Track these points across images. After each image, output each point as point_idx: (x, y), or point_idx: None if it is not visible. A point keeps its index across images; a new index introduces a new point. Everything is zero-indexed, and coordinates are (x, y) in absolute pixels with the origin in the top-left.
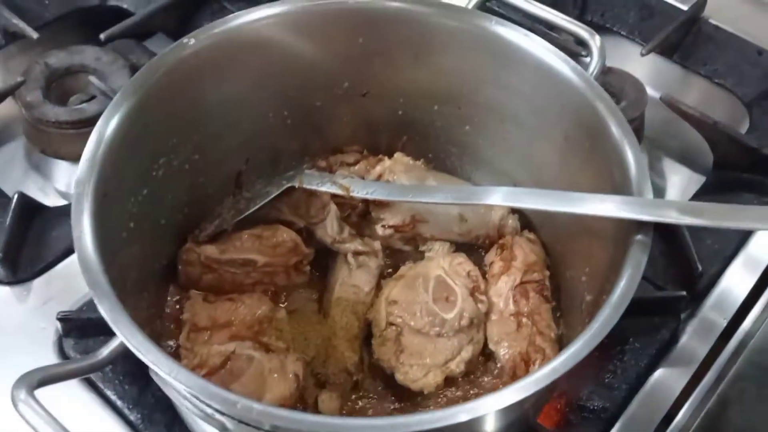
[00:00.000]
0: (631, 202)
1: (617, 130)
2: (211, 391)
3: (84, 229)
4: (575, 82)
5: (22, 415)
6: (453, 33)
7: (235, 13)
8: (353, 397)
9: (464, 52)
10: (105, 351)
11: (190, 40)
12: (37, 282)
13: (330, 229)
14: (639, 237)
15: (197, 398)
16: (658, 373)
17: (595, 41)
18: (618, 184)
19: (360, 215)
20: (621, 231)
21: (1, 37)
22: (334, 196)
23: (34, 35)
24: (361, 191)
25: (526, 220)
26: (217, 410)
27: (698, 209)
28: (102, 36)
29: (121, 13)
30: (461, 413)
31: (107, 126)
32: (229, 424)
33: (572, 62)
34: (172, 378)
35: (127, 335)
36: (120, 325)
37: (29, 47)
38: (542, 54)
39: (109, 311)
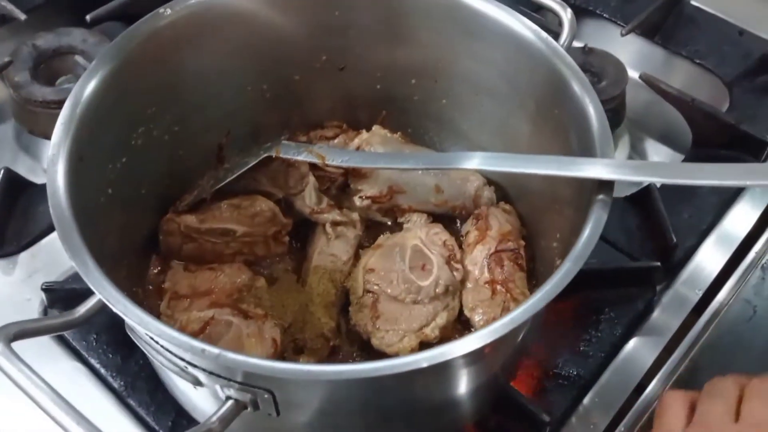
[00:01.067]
0: (612, 164)
1: (581, 92)
2: (179, 340)
3: (58, 187)
4: (542, 49)
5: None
6: (427, 6)
7: None
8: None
9: (438, 24)
10: (82, 309)
11: (166, 11)
12: (23, 255)
13: (308, 199)
14: (600, 197)
15: (169, 351)
16: (633, 343)
17: (566, 13)
18: (582, 147)
19: (339, 188)
20: (584, 195)
21: None
22: (313, 168)
23: (22, 17)
24: (336, 159)
25: (502, 192)
26: (189, 362)
27: (671, 168)
28: (88, 17)
29: None
30: (424, 359)
31: (83, 91)
32: (201, 376)
33: (542, 32)
34: (142, 327)
35: (98, 287)
36: (91, 277)
37: (19, 29)
38: (512, 23)
39: (82, 264)
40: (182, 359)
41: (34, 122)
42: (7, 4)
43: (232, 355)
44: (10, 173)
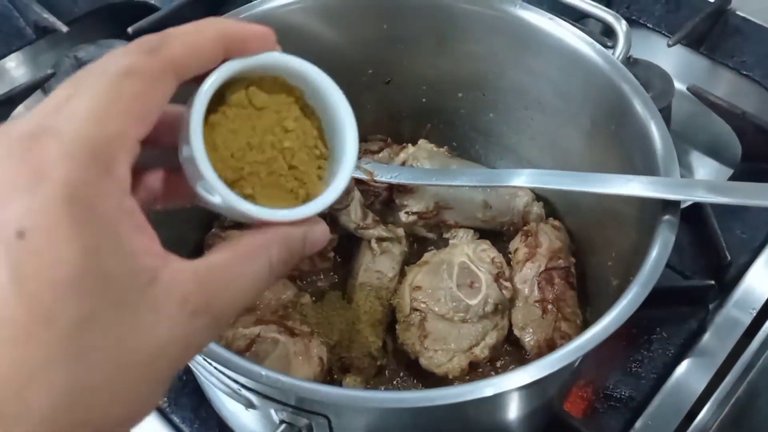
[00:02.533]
0: (656, 181)
1: (643, 111)
2: (237, 364)
3: None
4: (600, 64)
5: None
6: (476, 18)
7: (260, 0)
8: (377, 382)
9: (488, 37)
10: None
11: None
12: None
13: (354, 215)
14: (666, 217)
15: (222, 372)
16: (686, 364)
17: (621, 26)
18: (645, 167)
19: (383, 203)
20: (647, 213)
21: (32, 32)
22: (357, 182)
23: (64, 29)
24: (384, 175)
25: (551, 207)
26: (243, 385)
27: (726, 188)
28: (130, 30)
29: (150, 8)
30: (486, 388)
31: None
32: (255, 399)
33: (597, 45)
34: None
35: None
36: None
37: (59, 42)
38: (566, 37)
39: None
40: (236, 381)
41: None
42: (48, 16)
43: (291, 380)
44: None
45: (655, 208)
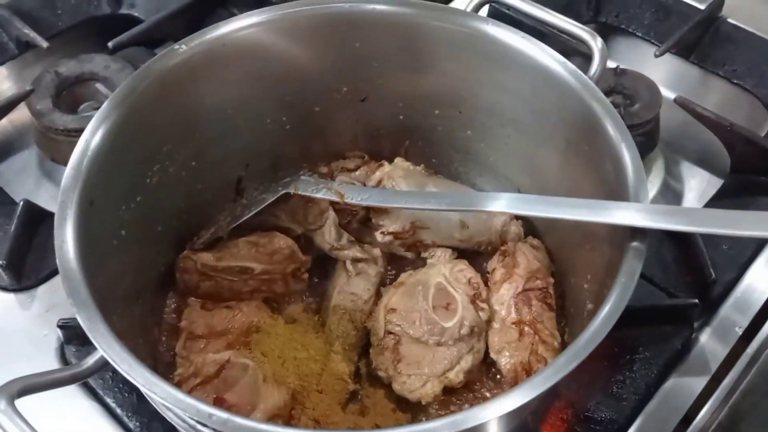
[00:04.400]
0: (639, 209)
1: (614, 133)
2: (186, 403)
3: (66, 238)
4: (572, 83)
5: (2, 426)
6: (448, 35)
7: (226, 20)
8: (351, 406)
9: (462, 55)
10: (90, 360)
11: (181, 47)
12: (42, 289)
13: (328, 235)
14: (634, 244)
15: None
16: (670, 384)
17: (596, 42)
18: (616, 189)
19: (361, 222)
20: (618, 236)
21: (14, 47)
22: (333, 202)
23: (44, 44)
24: (355, 197)
25: (530, 226)
26: (198, 421)
27: (708, 216)
28: (110, 44)
29: (134, 22)
30: (454, 424)
31: (93, 135)
32: None
33: (569, 64)
34: (147, 389)
35: (103, 345)
36: (96, 334)
37: (43, 56)
38: (538, 56)
39: (86, 320)
40: (192, 418)
41: (56, 150)
42: (29, 32)
43: (241, 421)
44: (29, 205)
45: (624, 231)
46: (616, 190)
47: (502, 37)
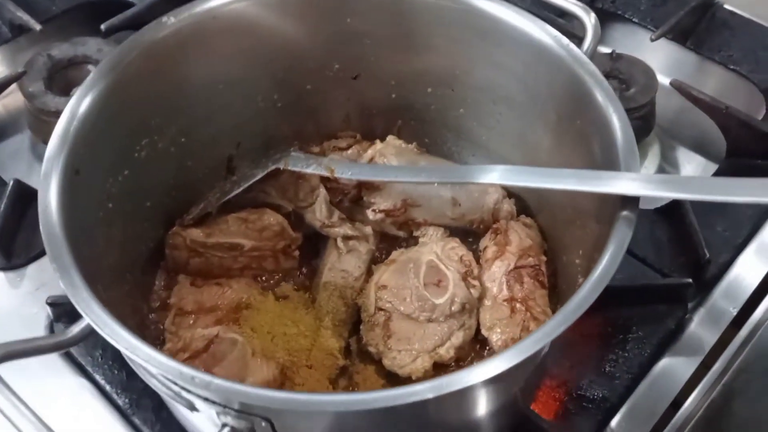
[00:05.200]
0: (637, 178)
1: (604, 101)
2: (168, 366)
3: (50, 202)
4: (564, 57)
5: None
6: (439, 11)
7: None
8: (341, 382)
9: (454, 31)
10: (75, 329)
11: (169, 19)
12: (31, 268)
13: (319, 212)
14: (624, 213)
15: (163, 375)
16: (663, 363)
17: (589, 18)
18: (606, 160)
19: (352, 200)
20: (608, 208)
21: (8, 30)
22: (325, 180)
23: (37, 27)
24: (345, 172)
25: (523, 204)
26: (182, 387)
27: (704, 184)
28: (102, 26)
29: (127, 6)
30: (428, 391)
31: (80, 103)
32: (197, 402)
33: (562, 38)
34: (129, 352)
35: (86, 309)
36: (79, 299)
37: (36, 40)
38: (531, 30)
39: (70, 285)
40: (176, 383)
41: (48, 132)
42: (23, 15)
43: (224, 383)
44: (19, 185)
45: (614, 203)
46: (607, 161)
47: (495, 12)
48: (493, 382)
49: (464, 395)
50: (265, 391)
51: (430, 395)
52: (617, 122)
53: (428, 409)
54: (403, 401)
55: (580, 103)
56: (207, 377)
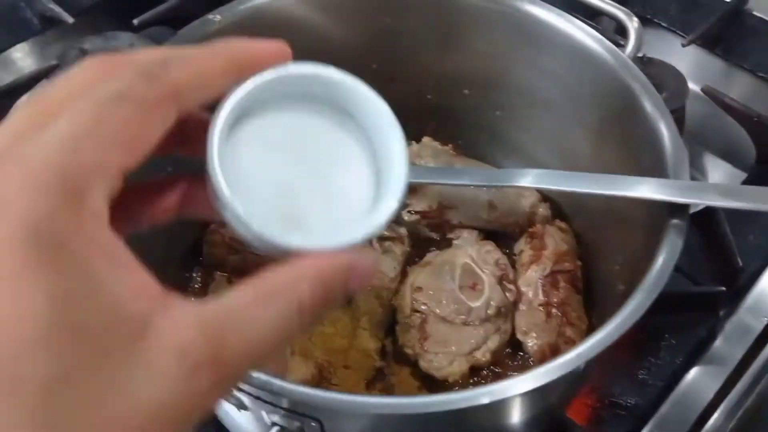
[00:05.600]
0: (664, 184)
1: (653, 111)
2: None
3: None
4: (610, 62)
5: None
6: (482, 13)
7: None
8: (377, 384)
9: (495, 33)
10: None
11: (216, 17)
12: None
13: None
14: (674, 221)
15: None
16: (694, 372)
17: (632, 23)
18: (653, 168)
19: None
20: (655, 217)
21: (38, 23)
22: None
23: (70, 20)
24: None
25: (557, 208)
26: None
27: (739, 192)
28: (135, 21)
29: (160, 1)
30: (483, 396)
31: None
32: (246, 401)
33: (607, 42)
34: None
35: None
36: None
37: (66, 33)
38: (576, 34)
39: None
40: None
41: None
42: (55, 7)
43: (280, 383)
44: None
45: (663, 212)
46: (652, 170)
47: (539, 15)
48: (536, 392)
49: (509, 401)
50: (319, 391)
51: (485, 400)
52: (666, 131)
53: (468, 415)
54: (457, 406)
55: (625, 110)
56: (262, 376)
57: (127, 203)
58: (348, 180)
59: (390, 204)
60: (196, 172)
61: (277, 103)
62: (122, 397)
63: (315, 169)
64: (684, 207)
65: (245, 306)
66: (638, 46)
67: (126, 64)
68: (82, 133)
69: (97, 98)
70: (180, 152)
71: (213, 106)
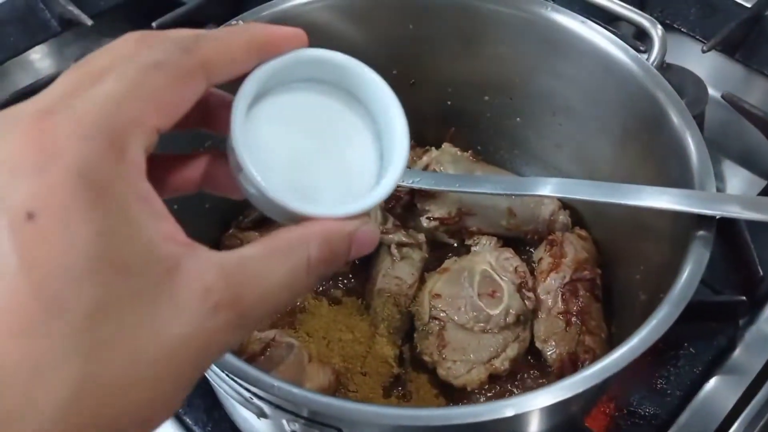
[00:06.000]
0: (691, 195)
1: (678, 121)
2: (249, 374)
3: None
4: (634, 70)
5: None
6: (504, 19)
7: None
8: (394, 391)
9: (517, 39)
10: None
11: (238, 23)
12: None
13: (374, 218)
14: (700, 233)
15: (234, 380)
16: (714, 381)
17: (656, 30)
18: (679, 179)
19: (405, 207)
20: (680, 227)
21: (57, 24)
22: None
23: (89, 22)
24: (406, 180)
25: (577, 216)
26: (254, 394)
27: (763, 204)
28: (154, 24)
29: (175, 3)
30: (506, 408)
31: None
32: (266, 409)
33: (631, 50)
34: None
35: None
36: None
37: (84, 35)
38: (599, 41)
39: None
40: (248, 390)
41: None
42: (73, 9)
43: (303, 393)
44: None
45: (688, 223)
46: (678, 180)
47: (562, 22)
48: (558, 404)
49: (529, 416)
50: (341, 401)
51: (510, 413)
52: (692, 142)
53: (489, 426)
54: (481, 419)
55: (650, 118)
56: (286, 386)
57: (156, 169)
58: (354, 155)
59: (392, 177)
60: (218, 151)
61: (292, 85)
62: (151, 331)
63: (325, 145)
64: (711, 218)
65: (261, 257)
66: (662, 54)
67: (163, 38)
68: (125, 93)
69: (138, 64)
70: (204, 128)
71: (234, 88)
